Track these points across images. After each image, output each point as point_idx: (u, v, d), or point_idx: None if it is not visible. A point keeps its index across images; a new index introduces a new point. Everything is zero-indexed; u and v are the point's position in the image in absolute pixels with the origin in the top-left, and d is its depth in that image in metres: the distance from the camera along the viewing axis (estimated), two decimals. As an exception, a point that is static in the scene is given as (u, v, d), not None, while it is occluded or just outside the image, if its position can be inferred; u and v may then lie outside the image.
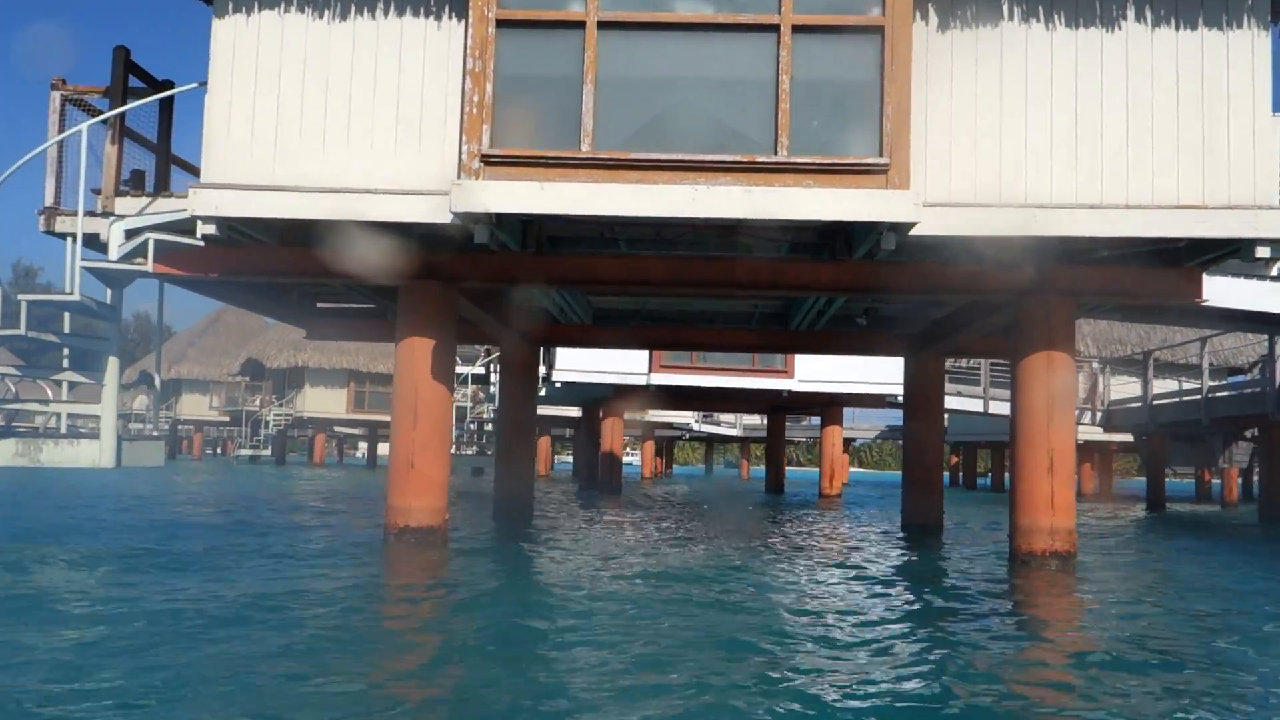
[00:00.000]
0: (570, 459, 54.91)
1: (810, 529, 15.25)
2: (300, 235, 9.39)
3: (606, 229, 9.51)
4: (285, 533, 11.61)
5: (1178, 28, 8.40)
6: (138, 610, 6.07)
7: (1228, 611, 7.88)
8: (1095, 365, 26.02)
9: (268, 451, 48.05)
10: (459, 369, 30.10)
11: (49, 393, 10.03)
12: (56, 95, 9.68)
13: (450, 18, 8.56)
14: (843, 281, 9.81)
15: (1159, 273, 9.56)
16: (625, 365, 23.78)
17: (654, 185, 7.92)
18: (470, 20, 8.13)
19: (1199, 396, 20.18)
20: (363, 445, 64.27)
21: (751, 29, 8.09)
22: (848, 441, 49.64)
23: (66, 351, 9.75)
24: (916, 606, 7.75)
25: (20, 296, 9.25)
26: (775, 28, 8.02)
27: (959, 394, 25.02)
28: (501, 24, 8.13)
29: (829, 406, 27.96)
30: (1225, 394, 19.92)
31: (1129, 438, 26.09)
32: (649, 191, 7.92)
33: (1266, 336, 18.19)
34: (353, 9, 8.58)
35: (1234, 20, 8.36)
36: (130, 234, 9.23)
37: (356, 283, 10.54)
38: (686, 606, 6.97)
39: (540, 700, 4.32)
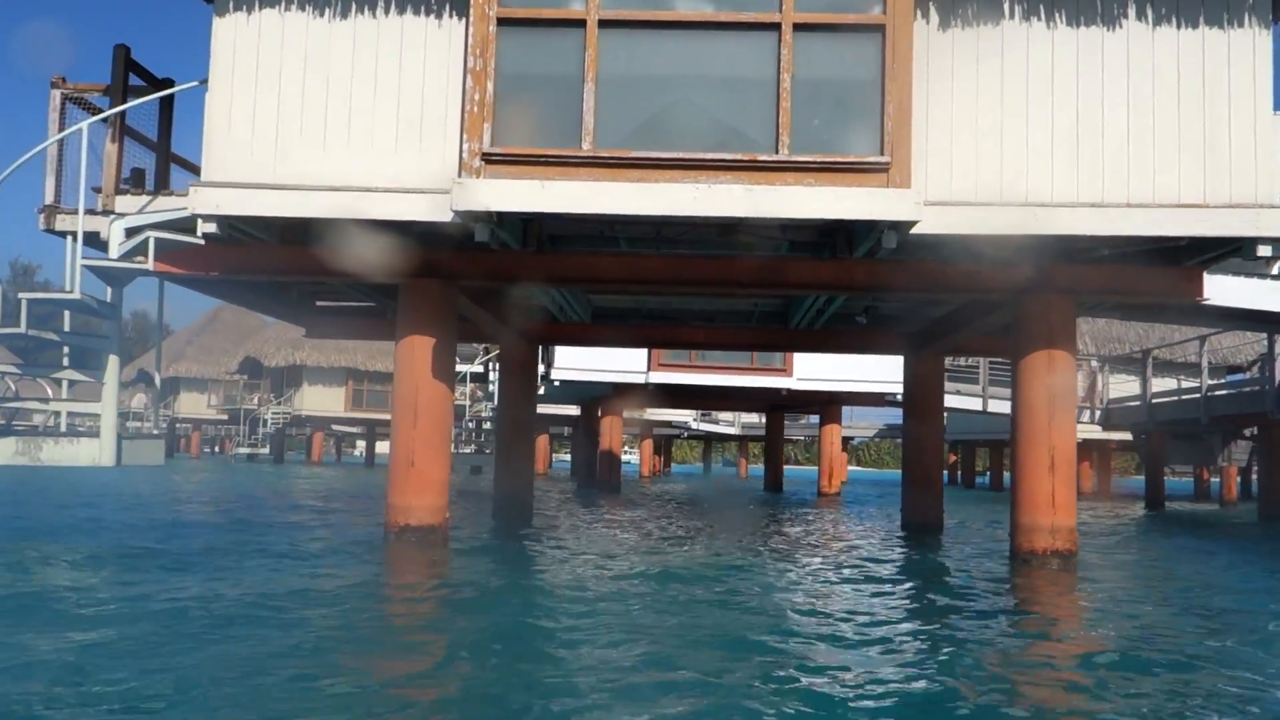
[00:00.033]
0: (568, 457, 54.91)
1: (811, 528, 15.25)
2: (301, 234, 9.38)
3: (606, 227, 9.51)
4: (285, 531, 11.60)
5: (1179, 26, 8.41)
6: (143, 611, 6.05)
7: (1232, 610, 7.88)
8: (1094, 363, 26.02)
9: (266, 450, 48.02)
10: (457, 367, 30.09)
11: (49, 391, 10.01)
12: (57, 93, 9.66)
13: (451, 16, 8.55)
14: (843, 280, 9.81)
15: (1160, 271, 9.57)
16: (624, 364, 23.79)
17: (655, 184, 7.92)
18: (471, 19, 8.13)
19: (1198, 395, 20.19)
20: (360, 444, 64.34)
21: (753, 27, 8.08)
22: (846, 440, 49.66)
23: (66, 350, 9.73)
24: (920, 605, 7.75)
25: (21, 295, 9.24)
26: (776, 26, 8.01)
27: (957, 392, 25.00)
28: (502, 22, 8.13)
29: (828, 405, 27.98)
30: (1224, 392, 19.92)
31: (1128, 436, 26.10)
32: (650, 190, 7.92)
33: (1265, 335, 18.21)
34: (353, 7, 8.57)
35: (1235, 19, 8.37)
36: (131, 232, 9.22)
37: (356, 281, 10.54)
38: (691, 605, 6.97)
39: (551, 699, 4.32)
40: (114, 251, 9.15)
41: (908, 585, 8.88)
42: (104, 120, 9.59)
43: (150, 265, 9.19)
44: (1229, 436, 22.27)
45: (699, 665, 4.95)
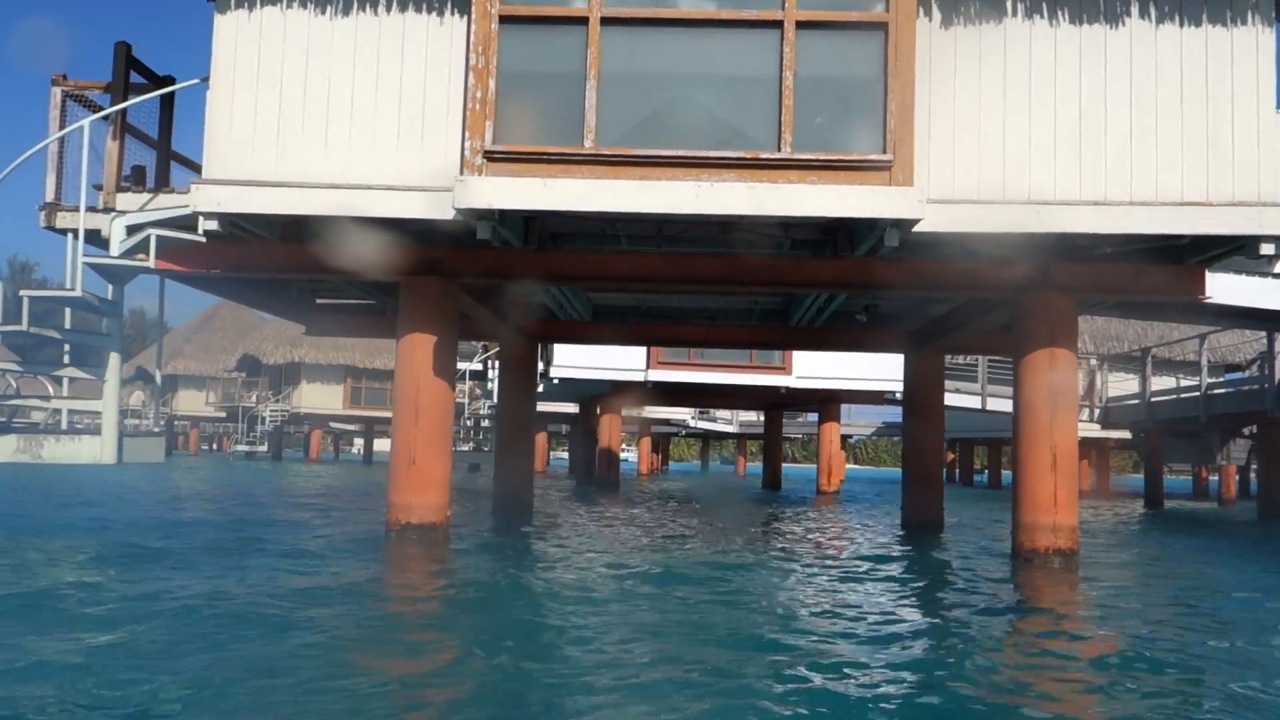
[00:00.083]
0: (566, 455, 54.90)
1: (811, 526, 15.26)
2: (302, 231, 9.37)
3: (608, 225, 9.50)
4: (287, 529, 11.59)
5: (1182, 24, 8.40)
6: (150, 610, 6.01)
7: (1235, 609, 7.89)
8: (1093, 362, 26.04)
9: (264, 447, 47.97)
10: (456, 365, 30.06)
11: (50, 389, 10.00)
12: (57, 91, 9.64)
13: (453, 14, 8.53)
14: (845, 278, 9.81)
15: (1162, 269, 9.56)
16: (623, 361, 23.77)
17: (657, 181, 7.90)
18: (473, 16, 8.11)
19: (1197, 393, 20.19)
20: (359, 441, 64.26)
21: (755, 25, 8.07)
22: (844, 438, 49.67)
23: (67, 347, 9.71)
24: (927, 604, 7.76)
25: (22, 292, 9.22)
26: (779, 24, 8.00)
27: (956, 390, 25.01)
28: (504, 20, 8.11)
29: (827, 403, 27.98)
30: (1223, 391, 19.93)
31: (1127, 434, 26.10)
32: (652, 188, 7.90)
33: (1265, 333, 18.21)
34: (355, 5, 8.55)
35: (1238, 17, 8.36)
36: (131, 230, 9.20)
37: (357, 279, 10.53)
38: (695, 603, 6.97)
39: (568, 697, 4.32)
40: (115, 249, 9.13)
41: (913, 584, 8.88)
42: (105, 118, 9.57)
43: (151, 263, 9.17)
44: (1228, 435, 22.29)
45: (711, 663, 4.94)
